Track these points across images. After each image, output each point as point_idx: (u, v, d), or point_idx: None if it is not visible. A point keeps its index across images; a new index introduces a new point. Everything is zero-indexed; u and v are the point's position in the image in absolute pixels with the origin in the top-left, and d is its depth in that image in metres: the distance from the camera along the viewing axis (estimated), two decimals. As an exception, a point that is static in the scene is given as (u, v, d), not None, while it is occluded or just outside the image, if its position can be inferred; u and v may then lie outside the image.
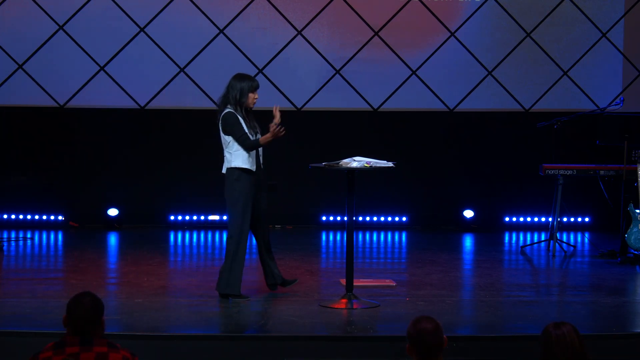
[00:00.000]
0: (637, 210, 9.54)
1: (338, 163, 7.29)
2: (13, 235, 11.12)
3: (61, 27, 11.43)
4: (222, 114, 7.40)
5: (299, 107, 11.71)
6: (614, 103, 11.09)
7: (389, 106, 11.72)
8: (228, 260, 7.44)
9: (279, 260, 9.47)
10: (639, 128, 9.94)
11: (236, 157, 7.39)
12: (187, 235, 11.38)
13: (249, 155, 7.40)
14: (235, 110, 7.39)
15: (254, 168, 7.44)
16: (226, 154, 7.45)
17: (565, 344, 4.15)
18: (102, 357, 4.09)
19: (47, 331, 6.18)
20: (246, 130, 7.37)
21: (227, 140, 7.41)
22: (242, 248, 7.46)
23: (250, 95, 7.43)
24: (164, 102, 11.61)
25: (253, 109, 7.57)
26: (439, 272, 8.94)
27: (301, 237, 11.18)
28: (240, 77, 7.48)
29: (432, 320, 4.13)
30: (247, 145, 7.36)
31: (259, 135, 7.48)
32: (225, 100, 7.45)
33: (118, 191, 11.71)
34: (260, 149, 7.55)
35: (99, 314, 4.19)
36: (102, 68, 11.48)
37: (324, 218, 11.95)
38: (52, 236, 11.25)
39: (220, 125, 7.42)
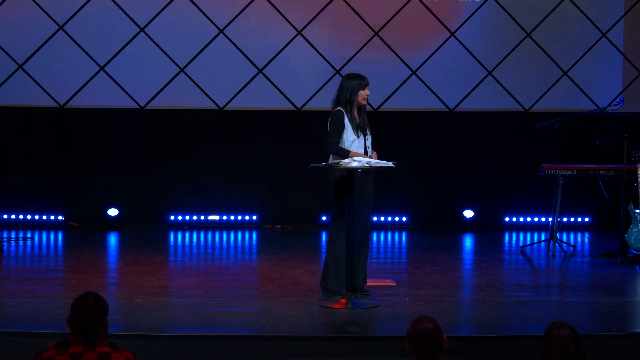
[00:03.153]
0: (637, 210, 9.54)
1: (338, 163, 7.29)
2: (13, 235, 11.12)
3: (61, 27, 11.43)
4: (332, 111, 7.49)
5: (299, 107, 11.71)
6: (614, 103, 11.09)
7: (389, 106, 11.73)
8: (330, 257, 7.50)
9: (279, 260, 9.50)
10: (639, 128, 9.94)
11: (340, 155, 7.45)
12: (187, 235, 11.38)
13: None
14: (346, 109, 7.43)
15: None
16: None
17: (560, 346, 4.16)
18: (105, 358, 4.10)
19: (47, 331, 6.18)
20: (352, 132, 7.39)
21: None
22: (341, 245, 7.45)
23: (361, 92, 7.48)
24: (164, 102, 11.62)
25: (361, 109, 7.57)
26: (439, 272, 8.94)
27: (301, 237, 11.19)
28: (349, 76, 7.56)
29: (432, 320, 4.13)
30: (330, 149, 7.41)
31: (368, 137, 7.49)
32: (337, 101, 7.53)
33: (118, 191, 11.72)
34: (370, 147, 7.50)
35: (103, 314, 4.21)
36: (102, 68, 11.48)
37: (324, 218, 11.95)
38: (52, 236, 11.25)
39: (328, 122, 7.50)
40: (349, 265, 7.38)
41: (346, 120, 7.43)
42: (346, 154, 7.37)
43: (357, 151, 7.43)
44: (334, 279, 7.51)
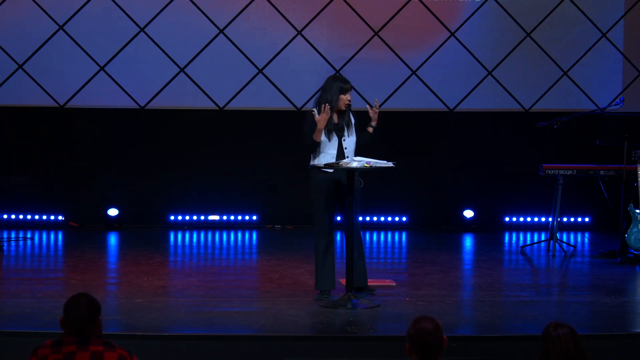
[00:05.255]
0: (637, 210, 9.54)
1: (338, 163, 7.30)
2: (13, 235, 11.12)
3: (61, 27, 11.43)
4: (306, 112, 7.56)
5: (299, 107, 11.71)
6: (614, 103, 11.09)
7: (390, 106, 11.72)
8: (316, 257, 7.54)
9: (279, 260, 9.50)
10: (639, 128, 9.94)
11: (313, 155, 7.52)
12: (187, 235, 11.38)
13: (328, 154, 7.45)
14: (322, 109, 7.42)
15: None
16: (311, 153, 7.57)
17: (559, 346, 4.16)
18: (97, 356, 4.11)
19: (47, 331, 6.17)
20: (323, 133, 7.41)
21: None
22: (321, 246, 7.52)
23: (342, 97, 7.50)
24: (164, 102, 11.62)
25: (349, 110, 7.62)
26: (439, 272, 8.94)
27: (301, 237, 11.18)
28: (334, 78, 7.62)
29: (432, 320, 4.13)
30: (304, 142, 7.48)
31: (346, 138, 7.49)
32: (318, 101, 7.58)
33: (118, 191, 11.71)
34: (349, 147, 7.52)
35: (96, 314, 4.22)
36: (102, 68, 11.48)
37: (323, 218, 11.93)
38: (52, 236, 11.25)
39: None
40: (349, 264, 7.40)
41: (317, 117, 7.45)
42: (311, 138, 7.39)
43: (329, 152, 7.46)
44: (319, 278, 7.55)
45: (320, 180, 7.51)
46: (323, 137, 7.46)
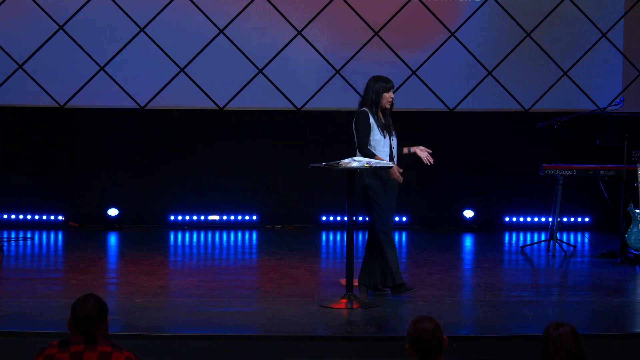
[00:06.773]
0: (637, 210, 9.54)
1: (338, 163, 7.30)
2: (13, 235, 11.12)
3: (61, 27, 11.43)
4: (357, 112, 7.61)
5: (299, 107, 11.71)
6: (614, 103, 11.09)
7: (389, 106, 11.71)
8: (368, 253, 7.64)
9: (279, 260, 9.50)
10: (639, 128, 9.93)
11: (369, 155, 7.54)
12: (187, 235, 11.38)
13: (382, 152, 7.54)
14: (371, 110, 7.54)
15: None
16: (357, 152, 7.60)
17: (560, 345, 4.16)
18: (105, 357, 4.12)
19: (47, 331, 6.18)
20: (377, 131, 7.52)
21: None
22: (391, 241, 7.62)
23: (385, 95, 7.60)
24: (164, 102, 11.62)
25: (393, 109, 7.77)
26: (439, 272, 8.94)
27: (301, 237, 11.19)
28: (375, 78, 7.69)
29: (432, 320, 4.13)
30: (362, 151, 7.53)
31: (393, 138, 7.63)
32: (363, 102, 7.67)
33: (118, 191, 11.72)
34: (395, 147, 7.65)
35: (104, 315, 4.24)
36: (102, 68, 11.49)
37: (324, 218, 11.95)
38: (52, 236, 11.25)
39: (353, 122, 7.61)
40: (349, 264, 7.40)
41: (372, 120, 7.57)
42: (372, 156, 7.49)
43: (383, 150, 7.56)
44: (386, 275, 7.61)
45: (379, 179, 7.53)
46: (378, 136, 7.56)
